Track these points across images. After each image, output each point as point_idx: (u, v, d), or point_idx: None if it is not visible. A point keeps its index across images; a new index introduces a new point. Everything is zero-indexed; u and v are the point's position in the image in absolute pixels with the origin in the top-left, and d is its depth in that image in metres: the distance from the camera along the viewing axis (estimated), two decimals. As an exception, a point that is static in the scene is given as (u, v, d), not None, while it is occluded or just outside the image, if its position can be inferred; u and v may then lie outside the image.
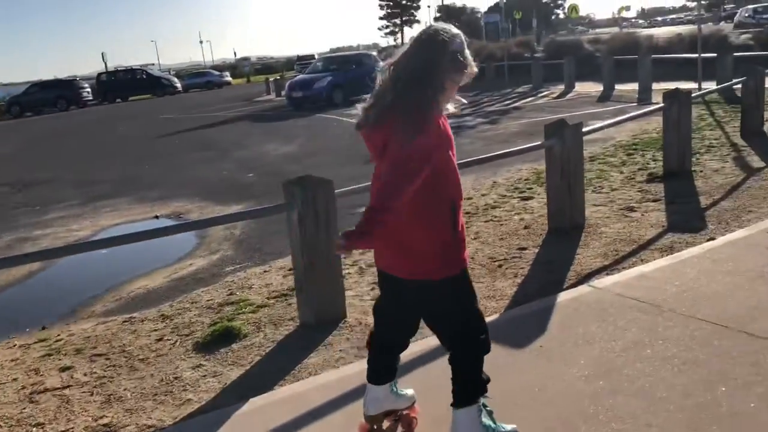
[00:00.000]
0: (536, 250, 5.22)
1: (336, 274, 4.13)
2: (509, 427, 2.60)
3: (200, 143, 15.67)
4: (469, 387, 2.53)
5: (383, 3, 60.86)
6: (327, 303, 4.11)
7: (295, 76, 27.76)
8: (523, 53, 25.25)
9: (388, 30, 62.77)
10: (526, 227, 5.89)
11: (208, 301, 4.98)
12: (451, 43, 2.29)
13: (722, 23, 36.18)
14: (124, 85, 44.15)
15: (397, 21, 61.10)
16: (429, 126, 2.23)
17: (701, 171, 7.24)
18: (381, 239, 2.30)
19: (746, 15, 29.12)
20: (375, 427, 2.77)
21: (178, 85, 46.24)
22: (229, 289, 5.19)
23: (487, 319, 3.84)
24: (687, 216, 5.67)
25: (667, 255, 4.70)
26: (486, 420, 2.54)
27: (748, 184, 6.48)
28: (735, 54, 14.08)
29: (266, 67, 66.73)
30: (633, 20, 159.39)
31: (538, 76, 21.20)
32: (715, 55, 14.21)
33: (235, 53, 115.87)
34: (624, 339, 3.41)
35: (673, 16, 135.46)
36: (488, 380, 2.58)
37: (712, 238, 4.92)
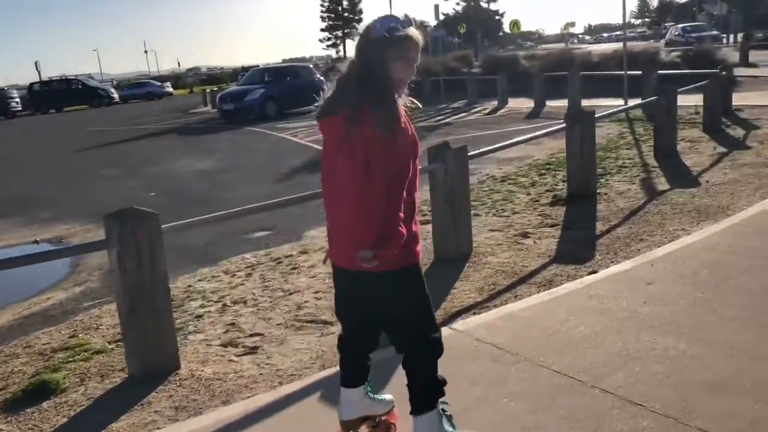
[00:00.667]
0: (414, 284, 4.82)
1: (164, 319, 3.64)
2: None
3: (116, 158, 14.93)
4: (426, 391, 2.48)
5: (325, 15, 60.18)
6: (154, 352, 3.62)
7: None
8: (461, 68, 25.13)
9: (330, 42, 62.09)
10: (412, 256, 5.50)
11: (44, 345, 4.43)
12: (388, 36, 2.28)
13: (663, 40, 36.98)
14: (58, 95, 42.61)
15: (339, 33, 60.48)
16: (399, 121, 2.27)
17: (606, 193, 7.01)
18: (336, 235, 2.45)
19: (676, 33, 29.73)
20: None
21: (115, 95, 44.89)
22: (73, 330, 4.64)
23: (324, 374, 3.44)
24: (577, 244, 5.37)
25: (544, 290, 4.36)
26: (447, 426, 2.49)
27: (647, 208, 6.25)
28: (660, 72, 14.11)
29: (212, 77, 65.42)
30: (580, 36, 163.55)
31: (473, 92, 21.06)
32: (640, 72, 14.21)
33: (178, 63, 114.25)
34: (468, 396, 3.02)
35: (618, 32, 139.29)
36: (445, 382, 2.53)
37: (594, 271, 4.61)
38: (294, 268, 5.56)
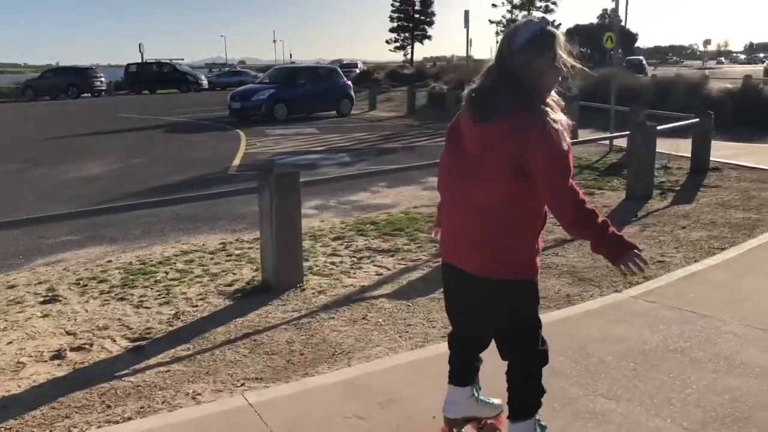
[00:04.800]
0: None
1: None
2: None
3: (54, 153, 14.08)
4: (527, 400, 2.48)
5: (394, 15, 57.23)
6: None
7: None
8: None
9: (397, 44, 59.12)
10: None
11: None
12: (554, 44, 2.24)
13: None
14: (150, 77, 43.85)
15: (407, 35, 57.47)
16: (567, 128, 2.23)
17: (315, 287, 5.00)
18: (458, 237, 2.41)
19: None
20: (454, 431, 2.67)
21: (204, 82, 45.59)
22: None
23: None
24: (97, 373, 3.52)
25: None
26: None
27: (288, 331, 4.22)
28: (651, 110, 11.33)
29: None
30: (734, 54, 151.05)
31: (489, 110, 18.68)
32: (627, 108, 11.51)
33: (290, 54, 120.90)
34: None
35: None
36: (544, 392, 2.52)
37: None
38: None
